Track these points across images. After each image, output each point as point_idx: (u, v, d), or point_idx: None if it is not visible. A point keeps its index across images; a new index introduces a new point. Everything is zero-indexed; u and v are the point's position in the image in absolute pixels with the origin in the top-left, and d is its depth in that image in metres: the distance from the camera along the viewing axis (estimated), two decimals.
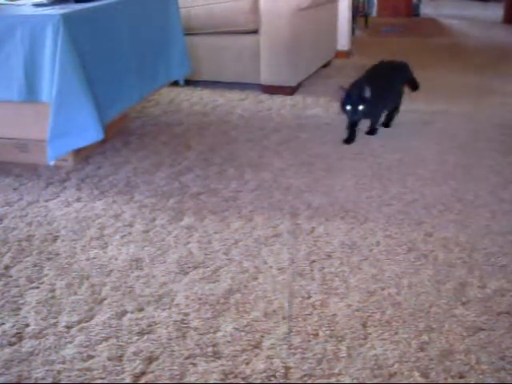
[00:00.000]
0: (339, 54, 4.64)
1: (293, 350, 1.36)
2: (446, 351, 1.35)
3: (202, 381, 1.28)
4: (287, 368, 1.31)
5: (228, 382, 1.27)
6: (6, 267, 1.72)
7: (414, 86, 3.04)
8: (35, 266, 1.72)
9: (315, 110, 3.28)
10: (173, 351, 1.36)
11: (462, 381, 1.27)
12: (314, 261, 1.74)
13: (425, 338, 1.40)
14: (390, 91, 2.86)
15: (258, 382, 1.27)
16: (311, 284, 1.63)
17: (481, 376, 1.28)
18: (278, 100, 3.45)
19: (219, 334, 1.42)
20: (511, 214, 2.02)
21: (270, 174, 2.39)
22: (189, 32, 3.46)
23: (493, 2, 8.46)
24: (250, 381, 1.28)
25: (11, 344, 1.40)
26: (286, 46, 3.46)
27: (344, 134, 2.76)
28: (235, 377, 1.29)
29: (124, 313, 1.50)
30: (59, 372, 1.30)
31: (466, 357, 1.34)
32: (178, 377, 1.29)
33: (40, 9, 2.31)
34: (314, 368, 1.31)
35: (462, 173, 2.38)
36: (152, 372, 1.30)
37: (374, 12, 7.64)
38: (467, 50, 5.16)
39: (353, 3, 4.92)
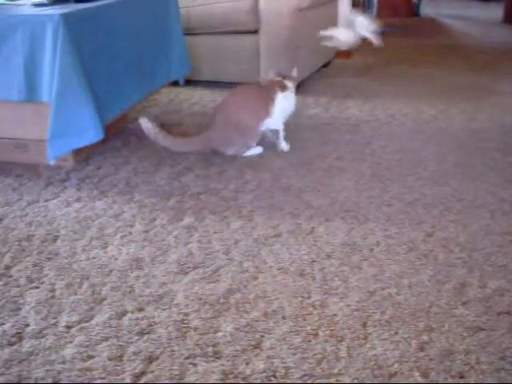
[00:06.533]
0: (339, 54, 4.64)
1: (293, 350, 1.37)
2: (446, 351, 1.36)
3: (202, 381, 1.28)
4: (287, 368, 1.31)
5: (228, 382, 1.28)
6: (6, 267, 1.72)
7: None
8: (35, 266, 1.73)
9: (316, 109, 3.28)
10: (173, 351, 1.37)
11: (462, 381, 1.27)
12: (314, 261, 1.75)
13: (425, 338, 1.40)
14: None
15: (258, 382, 1.27)
16: (311, 284, 1.63)
17: (481, 376, 1.28)
18: None
19: (219, 333, 1.42)
20: (511, 214, 2.02)
21: (270, 173, 2.39)
22: (189, 32, 3.46)
23: (493, 2, 8.46)
24: (249, 381, 1.28)
25: (11, 344, 1.40)
26: (286, 45, 3.46)
27: (346, 135, 2.76)
28: (235, 377, 1.29)
29: (124, 313, 1.50)
30: (59, 372, 1.30)
31: (466, 357, 1.34)
32: (177, 377, 1.29)
33: (40, 9, 2.31)
34: (313, 368, 1.31)
35: (461, 173, 2.38)
36: (152, 372, 1.30)
37: (374, 12, 7.63)
38: (467, 50, 5.16)
39: (353, 3, 4.92)
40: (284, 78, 2.60)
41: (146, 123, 2.44)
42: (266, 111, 2.51)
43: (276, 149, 2.62)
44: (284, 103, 2.57)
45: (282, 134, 2.62)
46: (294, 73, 2.63)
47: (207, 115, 3.16)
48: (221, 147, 2.55)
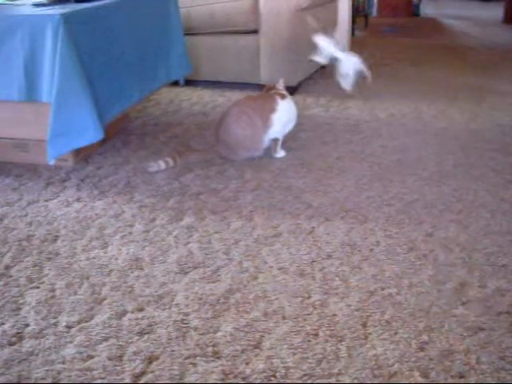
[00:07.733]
0: None
1: (293, 350, 1.37)
2: (446, 351, 1.36)
3: (202, 381, 1.28)
4: (287, 368, 1.31)
5: (228, 382, 1.28)
6: (7, 267, 1.73)
7: None
8: (35, 265, 1.73)
9: (315, 109, 3.28)
10: (173, 351, 1.37)
11: (462, 381, 1.27)
12: (314, 261, 1.75)
13: (425, 337, 1.40)
14: None
15: (258, 382, 1.28)
16: (311, 284, 1.63)
17: (481, 376, 1.28)
18: None
19: (219, 333, 1.42)
20: (511, 214, 2.02)
21: (270, 173, 2.39)
22: (189, 32, 3.47)
23: (493, 2, 8.47)
24: (249, 381, 1.28)
25: (11, 344, 1.40)
26: (286, 45, 3.47)
27: (346, 135, 2.76)
28: (235, 377, 1.29)
29: (124, 313, 1.50)
30: (59, 372, 1.31)
31: (466, 357, 1.34)
32: (177, 377, 1.29)
33: (40, 9, 2.31)
34: (313, 368, 1.31)
35: (461, 173, 2.38)
36: (152, 372, 1.31)
37: (374, 12, 7.64)
38: (467, 50, 5.16)
39: (353, 3, 4.92)
40: (272, 88, 2.59)
41: (156, 167, 2.42)
42: (267, 121, 2.47)
43: (271, 156, 2.58)
44: (287, 111, 2.54)
45: (279, 142, 2.59)
46: (280, 85, 2.59)
47: (207, 115, 3.17)
48: (229, 157, 2.54)
